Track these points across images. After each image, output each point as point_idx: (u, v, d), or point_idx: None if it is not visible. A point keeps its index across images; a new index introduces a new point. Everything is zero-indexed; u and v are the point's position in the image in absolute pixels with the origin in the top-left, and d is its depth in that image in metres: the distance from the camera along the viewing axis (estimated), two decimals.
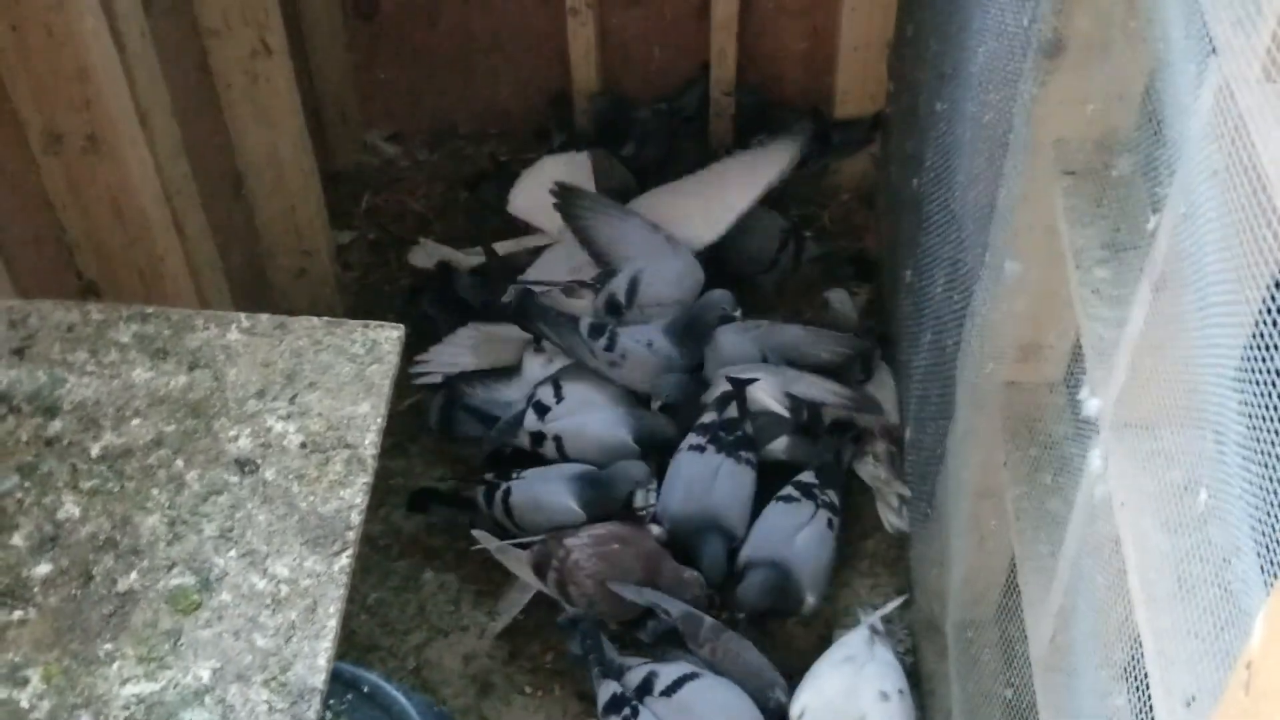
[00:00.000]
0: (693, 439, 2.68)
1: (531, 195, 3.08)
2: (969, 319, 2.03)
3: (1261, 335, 1.08)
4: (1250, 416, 1.02)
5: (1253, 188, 1.06)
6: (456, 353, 2.93)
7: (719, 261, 3.01)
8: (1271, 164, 1.03)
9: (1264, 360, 1.06)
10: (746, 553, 2.56)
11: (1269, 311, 1.08)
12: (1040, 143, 1.72)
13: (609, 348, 2.74)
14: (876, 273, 3.15)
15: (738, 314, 2.81)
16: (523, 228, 3.15)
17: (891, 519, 2.74)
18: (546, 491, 2.61)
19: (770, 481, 2.68)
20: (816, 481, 2.64)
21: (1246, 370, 1.08)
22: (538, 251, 3.08)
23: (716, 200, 3.01)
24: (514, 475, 2.65)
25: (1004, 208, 1.84)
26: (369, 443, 1.51)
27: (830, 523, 2.59)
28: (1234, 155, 1.10)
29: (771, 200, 3.18)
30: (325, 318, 1.66)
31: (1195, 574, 1.15)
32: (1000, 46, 1.90)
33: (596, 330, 2.76)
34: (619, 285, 2.85)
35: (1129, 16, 1.49)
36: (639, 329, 2.79)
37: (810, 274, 3.17)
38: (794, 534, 2.56)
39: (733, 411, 2.70)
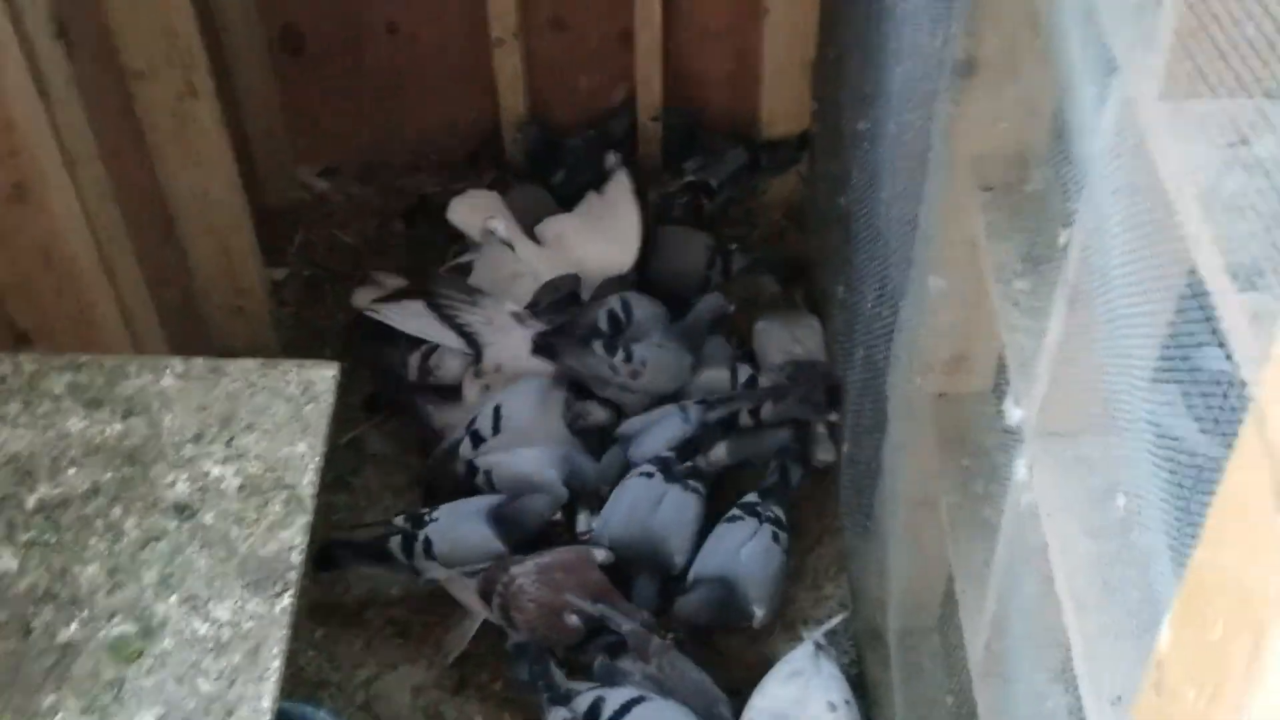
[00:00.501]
0: (644, 466, 2.71)
1: (469, 209, 3.15)
2: (898, 333, 2.07)
3: (1170, 346, 1.13)
4: (1160, 424, 1.06)
5: (1153, 203, 1.11)
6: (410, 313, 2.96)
7: (651, 287, 3.06)
8: (1170, 180, 1.08)
9: (1171, 369, 1.11)
10: (694, 570, 2.60)
11: (1176, 323, 1.13)
12: (958, 160, 1.76)
13: (628, 359, 2.82)
14: (809, 274, 3.20)
15: (732, 308, 2.99)
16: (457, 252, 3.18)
17: (820, 455, 2.84)
18: (465, 531, 2.62)
19: (718, 501, 2.72)
20: (760, 500, 2.69)
21: (1156, 379, 1.12)
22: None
23: (613, 226, 3.10)
24: (426, 519, 2.64)
25: (926, 224, 1.88)
26: (307, 483, 1.51)
27: (776, 536, 2.64)
28: (1135, 172, 1.15)
29: (699, 222, 3.23)
30: (260, 359, 1.66)
31: (1119, 577, 1.19)
32: (916, 66, 1.95)
33: (611, 347, 2.84)
34: (614, 304, 2.94)
35: (1035, 37, 1.54)
36: (646, 340, 2.89)
37: (744, 287, 3.19)
38: (739, 549, 2.60)
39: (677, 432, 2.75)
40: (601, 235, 3.09)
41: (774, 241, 3.37)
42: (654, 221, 3.18)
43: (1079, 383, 1.37)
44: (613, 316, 2.92)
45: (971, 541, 1.76)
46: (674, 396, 2.87)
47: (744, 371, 2.91)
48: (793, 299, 3.17)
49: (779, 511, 2.68)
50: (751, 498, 2.70)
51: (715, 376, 2.90)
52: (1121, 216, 1.17)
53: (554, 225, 3.13)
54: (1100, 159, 1.22)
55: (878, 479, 2.26)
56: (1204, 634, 0.73)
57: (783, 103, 3.24)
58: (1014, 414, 1.50)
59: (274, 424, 1.57)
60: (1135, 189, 1.15)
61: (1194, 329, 1.06)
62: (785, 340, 2.99)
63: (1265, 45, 1.07)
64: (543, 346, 2.86)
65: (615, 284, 3.03)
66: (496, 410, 2.78)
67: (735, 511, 2.67)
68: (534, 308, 2.96)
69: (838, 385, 2.83)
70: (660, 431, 2.76)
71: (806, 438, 2.84)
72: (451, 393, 2.91)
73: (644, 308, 2.96)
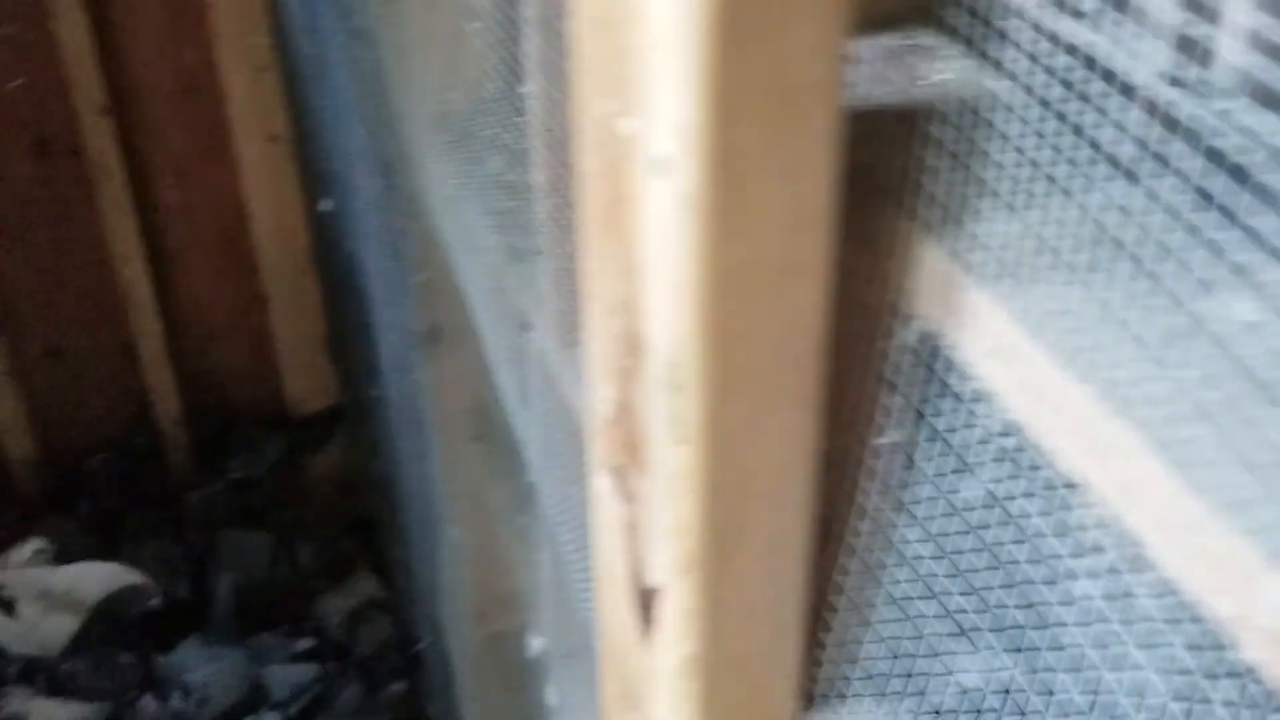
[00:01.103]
0: None
1: None
2: (443, 587, 2.13)
3: None
4: None
5: (574, 436, 1.24)
6: None
7: (211, 602, 2.94)
8: (581, 415, 1.22)
9: None
10: None
11: None
12: (447, 417, 1.88)
13: (186, 694, 2.70)
14: (372, 539, 3.21)
15: (256, 571, 2.90)
16: None
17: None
18: None
19: None
20: None
21: None
22: None
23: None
24: None
25: (436, 479, 1.97)
26: None
27: None
28: (555, 412, 1.29)
29: (250, 516, 3.17)
30: None
31: None
32: (397, 338, 2.08)
33: (163, 695, 2.70)
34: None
35: (464, 306, 1.70)
36: (189, 663, 2.76)
37: (314, 566, 3.15)
38: None
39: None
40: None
41: (331, 516, 3.35)
42: (201, 530, 3.08)
43: (575, 605, 1.47)
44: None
45: None
46: (251, 690, 2.75)
47: (312, 649, 2.84)
48: (358, 566, 3.17)
49: None
50: None
51: (292, 669, 2.81)
52: (559, 451, 1.30)
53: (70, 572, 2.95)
54: (530, 403, 1.36)
55: None
56: None
57: (306, 381, 3.29)
58: (535, 644, 1.59)
59: None
60: (558, 425, 1.28)
61: None
62: (341, 606, 2.99)
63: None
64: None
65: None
66: None
67: None
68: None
69: (414, 640, 2.85)
70: None
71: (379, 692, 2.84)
72: None
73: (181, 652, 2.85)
